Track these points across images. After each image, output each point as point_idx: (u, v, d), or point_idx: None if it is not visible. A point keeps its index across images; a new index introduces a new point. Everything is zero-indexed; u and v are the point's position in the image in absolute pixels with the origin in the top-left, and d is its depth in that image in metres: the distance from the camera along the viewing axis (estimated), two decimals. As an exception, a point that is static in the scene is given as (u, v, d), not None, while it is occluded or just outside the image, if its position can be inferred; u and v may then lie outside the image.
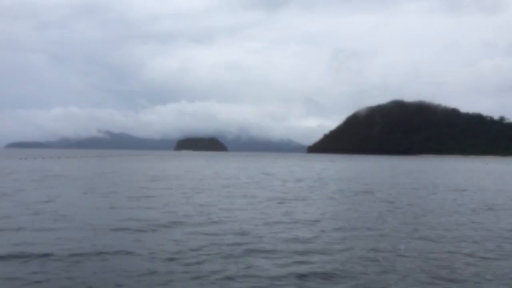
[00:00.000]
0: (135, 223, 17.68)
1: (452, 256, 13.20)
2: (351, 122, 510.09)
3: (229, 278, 10.75)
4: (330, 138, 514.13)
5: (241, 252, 13.16)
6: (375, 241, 15.01)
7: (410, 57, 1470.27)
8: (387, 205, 24.91)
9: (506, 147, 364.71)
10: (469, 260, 12.82)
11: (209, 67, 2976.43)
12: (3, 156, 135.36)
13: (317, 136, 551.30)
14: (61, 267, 11.51)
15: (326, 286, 10.45)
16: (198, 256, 12.60)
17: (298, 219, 19.35)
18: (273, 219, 19.23)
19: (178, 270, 11.31)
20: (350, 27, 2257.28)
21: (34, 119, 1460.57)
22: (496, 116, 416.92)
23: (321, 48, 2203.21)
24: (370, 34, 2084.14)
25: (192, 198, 26.73)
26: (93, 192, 29.36)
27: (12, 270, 11.20)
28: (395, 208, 23.66)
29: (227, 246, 13.75)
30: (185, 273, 11.10)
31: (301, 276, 10.94)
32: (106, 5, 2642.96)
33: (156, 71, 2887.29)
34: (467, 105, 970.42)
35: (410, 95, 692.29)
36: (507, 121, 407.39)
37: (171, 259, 12.29)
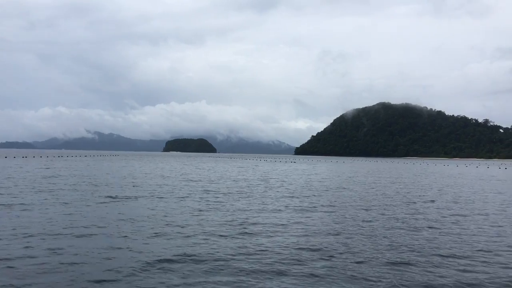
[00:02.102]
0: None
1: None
2: (338, 124, 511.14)
3: None
4: (318, 140, 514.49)
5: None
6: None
7: (398, 60, 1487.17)
8: (285, 197, 24.29)
9: (489, 150, 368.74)
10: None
11: (199, 68, 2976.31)
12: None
13: (307, 137, 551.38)
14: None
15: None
16: None
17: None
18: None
19: None
20: (340, 30, 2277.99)
21: (22, 119, 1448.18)
22: (481, 119, 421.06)
23: (311, 50, 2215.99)
24: (359, 36, 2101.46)
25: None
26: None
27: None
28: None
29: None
30: None
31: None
32: (96, 5, 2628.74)
33: (146, 71, 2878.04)
34: (455, 108, 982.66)
35: (397, 97, 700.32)
36: (491, 124, 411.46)
37: None
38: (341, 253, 13.23)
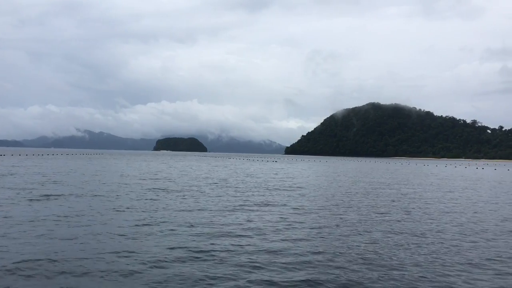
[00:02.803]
0: None
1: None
2: (328, 124, 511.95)
3: None
4: (308, 139, 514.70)
5: None
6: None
7: (388, 60, 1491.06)
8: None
9: (477, 150, 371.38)
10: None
11: (191, 67, 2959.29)
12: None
13: (298, 137, 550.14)
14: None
15: None
16: None
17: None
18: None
19: None
20: (331, 30, 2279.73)
21: (11, 118, 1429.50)
22: (470, 120, 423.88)
23: (303, 50, 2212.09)
24: (350, 37, 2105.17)
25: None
26: None
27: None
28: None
29: None
30: None
31: None
32: (87, 2, 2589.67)
33: (137, 70, 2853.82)
34: (445, 108, 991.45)
35: (387, 98, 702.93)
36: (479, 124, 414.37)
37: None
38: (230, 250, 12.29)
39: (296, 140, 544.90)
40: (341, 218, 19.57)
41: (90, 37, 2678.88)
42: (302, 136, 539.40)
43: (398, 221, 19.25)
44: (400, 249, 13.60)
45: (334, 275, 10.73)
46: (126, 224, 16.64)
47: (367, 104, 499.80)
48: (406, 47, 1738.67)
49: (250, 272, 10.85)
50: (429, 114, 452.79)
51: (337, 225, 17.69)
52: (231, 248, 13.16)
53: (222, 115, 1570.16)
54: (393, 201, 27.61)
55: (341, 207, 23.63)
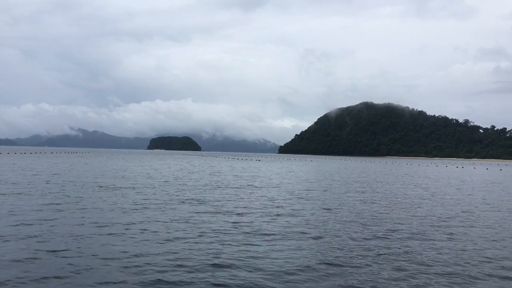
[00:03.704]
0: None
1: None
2: (322, 123, 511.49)
3: None
4: (301, 138, 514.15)
5: None
6: None
7: (381, 59, 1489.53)
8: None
9: (469, 150, 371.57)
10: None
11: (185, 66, 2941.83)
12: None
13: (292, 136, 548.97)
14: None
15: None
16: None
17: None
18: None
19: None
20: (326, 29, 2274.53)
21: (4, 116, 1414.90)
22: (463, 119, 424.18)
23: (297, 49, 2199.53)
24: (344, 36, 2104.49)
25: None
26: None
27: None
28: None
29: None
30: None
31: None
32: (80, 1, 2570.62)
33: (131, 69, 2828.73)
34: (438, 108, 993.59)
35: (381, 97, 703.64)
36: (471, 124, 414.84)
37: None
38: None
39: (290, 139, 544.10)
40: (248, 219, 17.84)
41: (84, 35, 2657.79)
42: (296, 135, 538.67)
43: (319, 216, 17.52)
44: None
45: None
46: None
47: (360, 103, 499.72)
48: (399, 47, 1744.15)
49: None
50: (421, 114, 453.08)
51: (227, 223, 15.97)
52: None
53: (216, 114, 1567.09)
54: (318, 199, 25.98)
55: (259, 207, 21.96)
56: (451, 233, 16.38)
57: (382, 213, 21.27)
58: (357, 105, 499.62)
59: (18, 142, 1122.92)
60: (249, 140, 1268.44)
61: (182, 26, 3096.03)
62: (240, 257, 11.95)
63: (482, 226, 18.28)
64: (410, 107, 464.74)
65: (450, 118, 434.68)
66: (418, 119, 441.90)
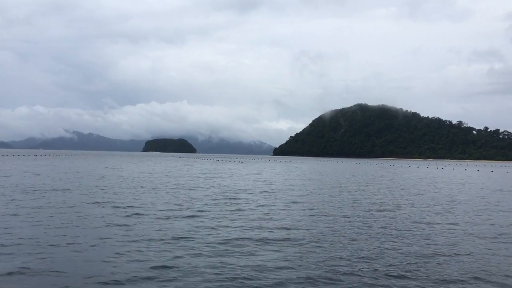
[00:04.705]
0: None
1: None
2: (316, 125, 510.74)
3: None
4: (296, 140, 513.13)
5: None
6: None
7: (376, 61, 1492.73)
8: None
9: (462, 151, 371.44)
10: None
11: (181, 68, 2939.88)
12: None
13: (288, 138, 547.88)
14: None
15: None
16: None
17: None
18: None
19: None
20: (320, 31, 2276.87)
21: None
22: (456, 121, 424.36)
23: (292, 50, 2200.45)
24: (338, 38, 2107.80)
25: None
26: None
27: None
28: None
29: None
30: None
31: None
32: (75, 2, 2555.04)
33: (126, 71, 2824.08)
34: (433, 109, 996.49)
35: (375, 98, 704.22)
36: (465, 125, 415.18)
37: None
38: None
39: (285, 141, 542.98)
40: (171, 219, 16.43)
41: (78, 37, 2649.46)
42: (291, 137, 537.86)
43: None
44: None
45: None
46: None
47: (354, 105, 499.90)
48: (393, 49, 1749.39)
49: None
50: (415, 115, 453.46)
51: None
52: None
53: (212, 116, 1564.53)
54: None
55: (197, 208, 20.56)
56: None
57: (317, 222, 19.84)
58: (351, 106, 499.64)
59: (13, 145, 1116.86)
60: (245, 142, 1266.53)
61: (177, 28, 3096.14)
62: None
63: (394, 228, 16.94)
64: (404, 109, 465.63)
65: (444, 119, 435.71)
66: (412, 120, 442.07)
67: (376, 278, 10.37)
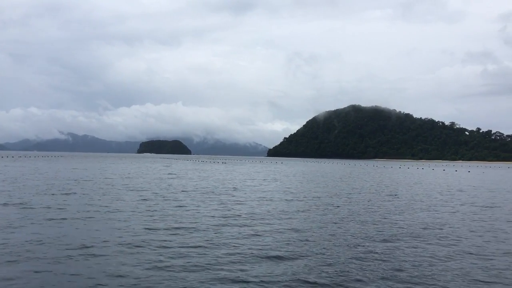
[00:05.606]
0: None
1: None
2: (310, 126, 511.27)
3: None
4: (290, 141, 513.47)
5: None
6: None
7: (369, 62, 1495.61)
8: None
9: (455, 152, 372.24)
10: None
11: (176, 70, 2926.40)
12: None
13: (282, 139, 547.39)
14: None
15: None
16: None
17: None
18: None
19: None
20: (315, 33, 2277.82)
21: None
22: (449, 122, 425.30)
23: (287, 52, 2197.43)
24: (332, 39, 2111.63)
25: None
26: None
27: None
28: None
29: None
30: None
31: None
32: (70, 4, 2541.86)
33: (121, 72, 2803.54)
34: (427, 111, 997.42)
35: (369, 99, 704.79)
36: (457, 126, 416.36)
37: None
38: None
39: (280, 143, 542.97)
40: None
41: (73, 38, 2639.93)
42: (285, 138, 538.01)
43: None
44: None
45: None
46: None
47: (348, 106, 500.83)
48: (387, 50, 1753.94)
49: None
50: (408, 116, 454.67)
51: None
52: None
53: (207, 117, 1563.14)
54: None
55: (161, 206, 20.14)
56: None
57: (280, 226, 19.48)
58: (345, 108, 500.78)
59: (8, 146, 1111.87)
60: (240, 143, 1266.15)
61: (173, 29, 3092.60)
62: None
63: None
64: (398, 110, 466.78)
65: (437, 120, 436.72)
66: (405, 121, 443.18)
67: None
